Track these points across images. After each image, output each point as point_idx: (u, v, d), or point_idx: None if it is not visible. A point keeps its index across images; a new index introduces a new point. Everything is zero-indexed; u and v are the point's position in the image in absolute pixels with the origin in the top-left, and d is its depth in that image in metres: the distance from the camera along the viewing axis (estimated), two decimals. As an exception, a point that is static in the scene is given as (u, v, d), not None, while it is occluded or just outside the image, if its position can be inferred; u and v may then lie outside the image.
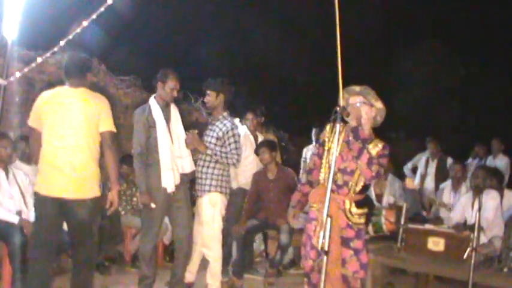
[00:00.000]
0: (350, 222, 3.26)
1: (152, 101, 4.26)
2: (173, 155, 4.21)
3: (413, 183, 6.85)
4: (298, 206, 3.53)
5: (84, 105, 3.54)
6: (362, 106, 3.25)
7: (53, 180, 3.48)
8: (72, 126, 3.49)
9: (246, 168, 5.45)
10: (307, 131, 7.04)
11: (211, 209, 4.39)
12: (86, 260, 3.65)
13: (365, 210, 3.33)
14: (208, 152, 4.35)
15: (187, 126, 4.62)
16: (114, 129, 3.64)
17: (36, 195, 3.58)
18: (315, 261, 3.28)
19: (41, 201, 3.54)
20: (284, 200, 5.31)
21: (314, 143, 6.90)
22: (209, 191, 4.40)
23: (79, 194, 3.49)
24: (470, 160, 7.80)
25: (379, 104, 3.31)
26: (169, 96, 4.25)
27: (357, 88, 3.29)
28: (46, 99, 3.58)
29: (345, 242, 3.25)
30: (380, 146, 3.27)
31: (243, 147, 5.40)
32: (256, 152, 5.39)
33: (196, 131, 4.41)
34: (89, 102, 3.56)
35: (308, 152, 6.99)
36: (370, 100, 3.28)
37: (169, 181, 4.15)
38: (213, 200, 4.40)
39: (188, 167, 4.35)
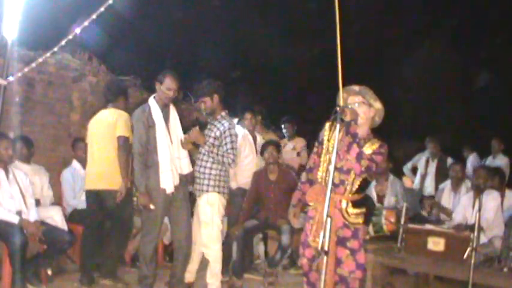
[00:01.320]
0: (346, 222, 3.25)
1: (152, 101, 4.28)
2: (172, 155, 4.22)
3: (410, 182, 6.85)
4: (298, 205, 3.53)
5: (103, 119, 4.64)
6: (360, 106, 3.24)
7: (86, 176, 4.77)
8: (95, 135, 4.65)
9: (246, 168, 5.44)
10: (308, 131, 7.01)
11: (210, 209, 4.38)
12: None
13: (362, 210, 3.31)
14: (206, 148, 4.36)
15: (187, 126, 4.63)
16: (124, 134, 4.51)
17: None
18: (311, 260, 3.28)
19: None
20: (285, 200, 5.30)
21: (287, 138, 6.81)
22: (207, 191, 4.40)
23: (95, 185, 4.60)
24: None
25: (377, 105, 3.30)
26: (166, 97, 4.25)
27: (357, 88, 3.29)
28: (92, 119, 4.80)
29: (341, 241, 3.24)
30: (376, 145, 3.26)
31: (242, 147, 5.40)
32: (262, 152, 5.38)
33: (197, 127, 4.43)
34: (107, 116, 4.62)
35: (284, 147, 6.69)
36: (368, 100, 3.28)
37: (168, 182, 4.16)
38: (211, 200, 4.40)
39: (186, 167, 4.35)
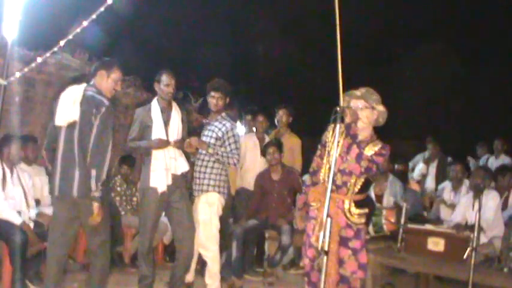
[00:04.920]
0: (349, 222, 3.25)
1: (154, 102, 4.32)
2: (166, 155, 4.21)
3: (417, 186, 6.85)
4: (304, 208, 3.52)
5: None
6: (363, 110, 3.24)
7: None
8: None
9: (249, 169, 5.48)
10: (308, 130, 7.00)
11: (208, 209, 4.38)
12: None
13: (365, 210, 3.32)
14: (210, 151, 4.36)
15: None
16: None
17: None
18: (312, 260, 3.27)
19: None
20: (286, 200, 5.33)
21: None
22: (207, 190, 4.40)
23: None
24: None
25: (380, 107, 3.30)
26: (165, 93, 4.26)
27: (358, 93, 3.28)
28: None
29: (344, 241, 3.24)
30: (378, 146, 3.26)
31: (243, 147, 5.43)
32: (263, 153, 5.38)
33: (195, 137, 4.44)
34: None
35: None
36: (371, 104, 3.27)
37: (159, 181, 4.16)
38: (211, 199, 4.40)
39: (181, 167, 4.33)
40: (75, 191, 3.39)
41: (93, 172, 3.34)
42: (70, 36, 3.18)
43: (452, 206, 5.28)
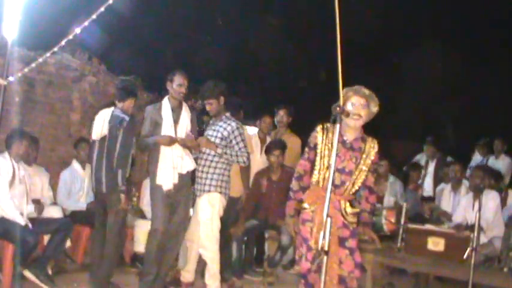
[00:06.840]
0: (346, 222, 3.26)
1: (165, 101, 4.38)
2: (174, 154, 4.23)
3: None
4: (296, 214, 3.49)
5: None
6: (363, 108, 3.27)
7: None
8: None
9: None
10: (308, 131, 6.98)
11: (210, 209, 4.38)
12: None
13: (356, 210, 3.34)
14: (219, 151, 4.37)
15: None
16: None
17: None
18: (311, 262, 3.27)
19: None
20: (286, 201, 5.30)
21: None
22: (209, 191, 4.40)
23: None
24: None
25: (375, 109, 3.34)
26: (177, 93, 4.32)
27: (366, 91, 3.29)
28: None
29: (341, 241, 3.24)
30: (376, 146, 3.30)
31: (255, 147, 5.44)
32: (266, 151, 5.36)
33: (204, 138, 4.45)
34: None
35: None
36: (370, 104, 3.30)
37: (165, 179, 4.18)
38: (212, 200, 4.40)
39: (187, 166, 4.35)
40: (104, 188, 4.19)
41: (120, 172, 4.16)
42: (70, 36, 3.19)
43: (450, 219, 5.27)
